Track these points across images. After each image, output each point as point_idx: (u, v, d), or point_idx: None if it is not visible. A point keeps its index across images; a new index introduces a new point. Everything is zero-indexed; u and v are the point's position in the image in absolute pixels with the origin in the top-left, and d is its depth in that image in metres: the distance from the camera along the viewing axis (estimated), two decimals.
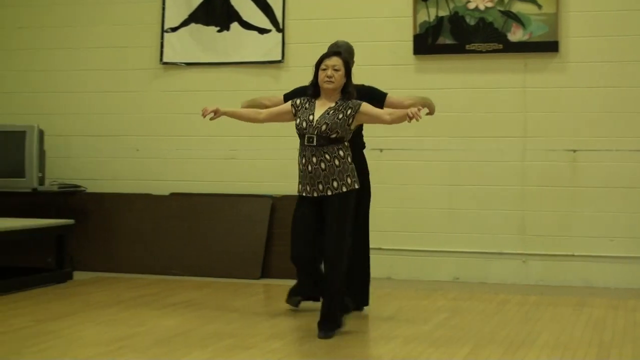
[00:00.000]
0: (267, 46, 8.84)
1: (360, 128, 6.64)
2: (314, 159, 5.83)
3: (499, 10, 8.23)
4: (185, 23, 9.03)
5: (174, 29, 9.04)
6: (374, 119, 6.00)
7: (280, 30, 8.80)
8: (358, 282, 6.65)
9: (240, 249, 8.57)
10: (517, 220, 8.30)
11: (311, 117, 5.88)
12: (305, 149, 5.87)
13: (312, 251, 5.92)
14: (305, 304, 6.79)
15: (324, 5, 8.73)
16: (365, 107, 5.91)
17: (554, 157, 8.23)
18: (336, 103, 5.91)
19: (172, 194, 8.98)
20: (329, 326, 5.81)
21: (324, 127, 5.82)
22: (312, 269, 5.99)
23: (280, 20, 8.80)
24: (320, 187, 5.84)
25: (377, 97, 6.47)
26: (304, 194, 5.92)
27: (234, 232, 8.57)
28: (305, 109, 5.96)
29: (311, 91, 6.03)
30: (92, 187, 8.97)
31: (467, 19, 8.30)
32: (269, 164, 8.82)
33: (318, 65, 6.01)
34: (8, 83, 9.51)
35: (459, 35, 8.32)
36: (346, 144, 5.90)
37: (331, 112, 5.88)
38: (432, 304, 7.22)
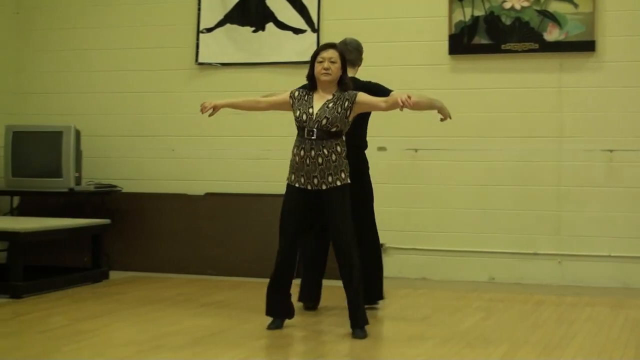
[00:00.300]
0: (302, 46, 8.85)
1: (360, 129, 6.57)
2: (313, 152, 5.87)
3: (535, 10, 8.18)
4: (220, 23, 9.07)
5: (209, 30, 9.07)
6: (371, 107, 6.11)
7: (316, 30, 8.81)
8: (370, 278, 6.66)
9: (273, 248, 8.55)
10: (553, 221, 8.24)
11: (311, 110, 5.92)
12: (304, 142, 5.91)
13: (296, 247, 6.13)
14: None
15: (359, 5, 8.72)
16: (362, 96, 5.96)
17: (590, 157, 8.16)
18: (333, 95, 5.95)
19: (207, 194, 9.01)
20: (361, 323, 5.82)
21: (324, 121, 5.86)
22: (291, 264, 6.12)
23: (315, 20, 8.81)
24: (316, 181, 5.90)
25: (382, 94, 6.44)
26: (296, 185, 5.99)
27: (268, 232, 8.57)
28: (305, 101, 5.98)
29: (309, 84, 6.03)
30: (128, 187, 9.03)
31: (503, 19, 8.25)
32: None
33: (314, 58, 6.02)
34: (45, 83, 9.60)
35: (495, 35, 8.28)
36: (343, 138, 5.96)
37: (330, 105, 5.91)
38: (468, 304, 7.19)
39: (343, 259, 5.94)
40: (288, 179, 6.04)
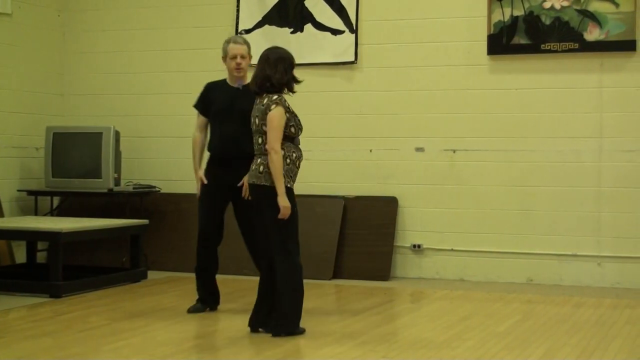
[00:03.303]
0: (340, 47, 8.84)
1: None
2: (302, 156, 5.99)
3: (575, 10, 8.10)
4: (259, 25, 9.09)
5: (247, 31, 9.09)
6: None
7: (354, 31, 8.80)
8: None
9: (313, 249, 8.58)
10: (592, 222, 8.16)
11: (298, 119, 5.94)
12: (298, 149, 5.93)
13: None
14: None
15: (398, 6, 8.70)
16: None
17: (631, 157, 8.08)
18: None
19: None
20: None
21: (301, 130, 5.97)
22: None
23: (353, 21, 8.79)
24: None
25: None
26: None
27: (307, 232, 8.56)
28: (289, 108, 5.91)
29: (285, 91, 5.97)
30: (166, 188, 9.08)
31: (543, 18, 8.19)
32: (342, 165, 8.83)
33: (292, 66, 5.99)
34: (85, 85, 9.69)
35: (534, 35, 8.22)
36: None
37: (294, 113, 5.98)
38: (506, 306, 7.15)
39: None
40: (290, 184, 5.83)
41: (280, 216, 5.75)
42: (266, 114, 5.80)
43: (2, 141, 8.94)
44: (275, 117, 5.76)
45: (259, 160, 5.86)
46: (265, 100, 5.84)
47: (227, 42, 6.75)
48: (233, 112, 6.37)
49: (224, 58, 6.74)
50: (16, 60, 9.12)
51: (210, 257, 6.71)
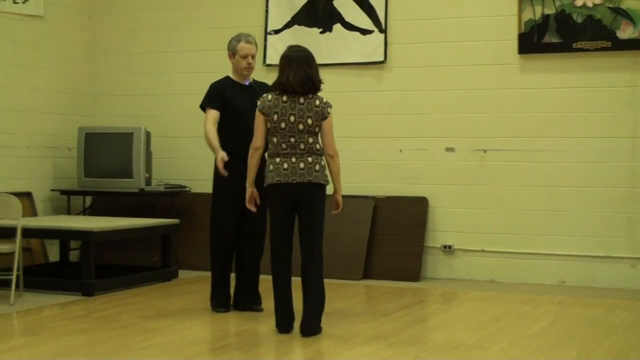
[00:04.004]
0: (369, 47, 8.83)
1: None
2: None
3: (608, 7, 8.04)
4: (288, 25, 9.10)
5: (277, 31, 9.11)
6: None
7: (383, 30, 8.78)
8: None
9: (343, 249, 8.58)
10: (625, 223, 8.09)
11: None
12: None
13: None
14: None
15: (428, 5, 8.67)
16: None
17: None
18: None
19: None
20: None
21: None
22: None
23: (383, 20, 8.78)
24: None
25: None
26: None
27: (336, 232, 8.58)
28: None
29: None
30: (196, 188, 9.11)
31: (575, 17, 8.13)
32: (371, 165, 8.82)
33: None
34: (117, 86, 9.75)
35: (566, 34, 8.16)
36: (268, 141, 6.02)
37: None
38: (537, 308, 7.10)
39: None
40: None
41: (336, 212, 6.09)
42: (322, 115, 5.92)
43: (35, 141, 9.02)
44: (332, 120, 5.97)
45: (309, 159, 5.91)
46: (315, 102, 5.93)
47: (237, 40, 6.74)
48: (252, 109, 6.33)
49: (232, 55, 6.74)
50: (48, 62, 9.20)
51: (231, 254, 6.75)
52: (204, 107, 6.70)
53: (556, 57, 8.25)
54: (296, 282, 6.00)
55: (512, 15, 8.32)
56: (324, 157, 5.98)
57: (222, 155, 6.39)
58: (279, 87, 5.93)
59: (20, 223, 7.11)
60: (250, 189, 6.10)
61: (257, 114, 5.95)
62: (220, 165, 6.38)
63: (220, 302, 6.73)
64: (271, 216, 5.99)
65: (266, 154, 6.02)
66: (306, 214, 5.94)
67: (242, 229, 6.68)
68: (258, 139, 5.99)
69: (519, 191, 8.39)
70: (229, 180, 6.51)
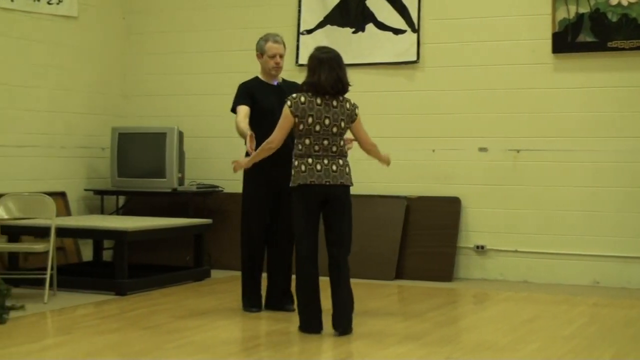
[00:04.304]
0: (402, 47, 8.81)
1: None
2: None
3: None
4: (320, 25, 9.10)
5: (309, 31, 9.11)
6: None
7: (416, 30, 8.75)
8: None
9: (375, 249, 8.57)
10: None
11: None
12: None
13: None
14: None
15: (460, 5, 8.64)
16: None
17: None
18: None
19: None
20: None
21: None
22: None
23: (415, 20, 8.75)
24: None
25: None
26: None
27: (369, 233, 8.57)
28: None
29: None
30: (229, 188, 9.13)
31: (609, 15, 8.06)
32: (404, 165, 8.79)
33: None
34: (150, 86, 9.80)
35: (600, 33, 8.09)
36: (295, 141, 6.03)
37: None
38: (571, 308, 7.05)
39: None
40: None
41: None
42: (351, 118, 6.01)
43: (69, 141, 9.09)
44: (360, 118, 6.10)
45: (340, 161, 5.99)
46: (347, 105, 6.01)
47: (265, 40, 6.74)
48: (279, 109, 6.32)
49: (260, 55, 6.75)
50: (82, 63, 9.26)
51: (262, 253, 6.76)
52: (234, 107, 6.71)
53: (590, 57, 8.18)
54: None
55: (546, 14, 8.26)
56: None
57: (251, 133, 6.32)
58: (311, 87, 5.95)
59: (54, 223, 7.17)
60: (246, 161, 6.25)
61: (287, 114, 5.96)
62: (250, 144, 6.27)
63: (251, 301, 6.74)
64: (300, 216, 5.98)
65: (294, 155, 6.01)
66: (338, 215, 5.99)
67: (273, 228, 6.68)
68: (278, 137, 6.04)
69: (552, 191, 8.33)
70: (258, 180, 6.54)
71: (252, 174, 6.60)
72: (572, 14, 8.16)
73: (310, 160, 5.92)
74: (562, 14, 8.20)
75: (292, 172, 5.97)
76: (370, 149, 6.24)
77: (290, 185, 6.00)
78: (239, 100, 6.70)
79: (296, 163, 5.96)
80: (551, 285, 8.17)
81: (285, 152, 6.17)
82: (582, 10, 8.12)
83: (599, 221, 8.18)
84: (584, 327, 6.26)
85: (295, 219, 6.02)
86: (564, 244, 8.28)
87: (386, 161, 6.44)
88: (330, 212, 6.01)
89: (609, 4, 8.04)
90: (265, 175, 6.53)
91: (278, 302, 6.73)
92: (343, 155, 6.01)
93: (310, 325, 5.92)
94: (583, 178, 8.23)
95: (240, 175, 6.80)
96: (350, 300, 5.97)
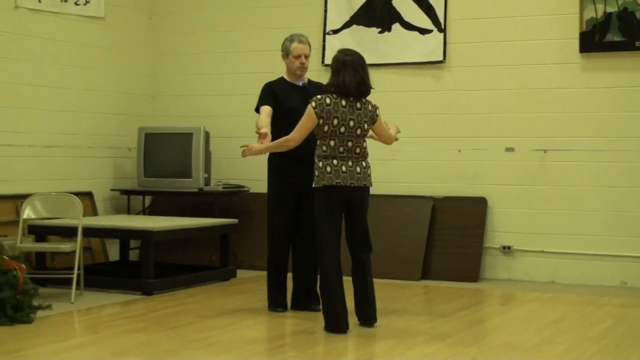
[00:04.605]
0: (428, 46, 8.79)
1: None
2: None
3: None
4: (346, 25, 9.09)
5: (335, 31, 9.11)
6: None
7: (442, 30, 8.73)
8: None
9: (401, 250, 8.56)
10: None
11: None
12: None
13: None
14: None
15: (487, 4, 8.61)
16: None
17: None
18: None
19: None
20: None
21: None
22: None
23: (442, 20, 8.73)
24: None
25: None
26: None
27: (394, 233, 8.56)
28: None
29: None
30: (255, 188, 9.14)
31: (637, 15, 7.99)
32: (430, 165, 8.78)
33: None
34: (176, 86, 9.83)
35: (628, 32, 8.03)
36: (318, 142, 6.06)
37: None
38: (598, 309, 7.01)
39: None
40: None
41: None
42: (373, 119, 6.09)
43: (96, 142, 9.14)
44: (381, 117, 6.20)
45: (363, 163, 6.08)
46: (369, 107, 6.08)
47: (290, 40, 6.73)
48: (304, 110, 6.30)
49: (286, 56, 6.74)
50: (109, 63, 9.31)
51: (286, 254, 6.76)
52: (257, 107, 6.71)
53: (618, 56, 8.12)
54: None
55: (574, 13, 8.21)
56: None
57: (264, 131, 6.30)
58: (336, 89, 5.97)
59: (81, 222, 7.21)
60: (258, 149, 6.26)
61: (310, 114, 5.97)
62: (261, 141, 6.27)
63: (277, 302, 6.74)
64: (324, 217, 5.99)
65: (317, 156, 6.02)
66: (361, 216, 6.11)
67: (299, 229, 6.68)
68: (298, 137, 6.09)
69: (579, 191, 8.28)
70: (281, 180, 6.57)
71: (275, 174, 6.64)
72: (600, 14, 8.11)
73: (335, 161, 5.94)
74: (589, 13, 8.15)
75: (316, 173, 5.98)
76: (391, 142, 6.41)
77: (314, 186, 6.01)
78: (262, 100, 6.70)
79: (320, 164, 5.97)
80: (578, 286, 8.12)
81: (307, 152, 6.18)
82: (610, 9, 8.07)
83: (627, 221, 8.12)
84: (611, 328, 6.22)
85: (318, 219, 6.02)
86: (591, 244, 8.23)
87: (396, 131, 6.42)
88: (353, 214, 6.07)
89: (637, 3, 7.99)
90: (288, 176, 6.56)
91: (303, 302, 6.73)
92: (366, 156, 6.09)
93: (337, 324, 5.91)
94: (611, 178, 8.17)
95: (266, 175, 6.81)
96: (374, 293, 6.14)
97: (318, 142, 6.04)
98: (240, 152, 6.36)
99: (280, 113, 6.59)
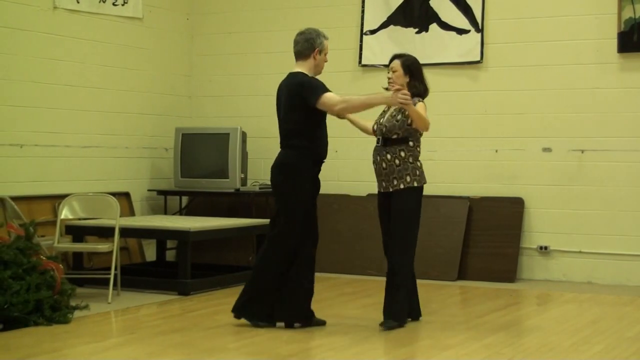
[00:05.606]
0: (466, 47, 8.76)
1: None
2: (379, 158, 6.22)
3: None
4: (384, 25, 9.09)
5: (372, 32, 9.11)
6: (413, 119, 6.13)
7: (480, 30, 8.70)
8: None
9: (438, 249, 8.54)
10: None
11: (382, 120, 6.24)
12: (375, 149, 6.26)
13: (385, 246, 6.28)
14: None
15: (525, 4, 8.56)
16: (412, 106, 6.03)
17: None
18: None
19: (369, 195, 9.03)
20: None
21: (384, 129, 6.16)
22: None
23: (479, 20, 8.69)
24: (384, 184, 6.17)
25: (311, 95, 6.06)
26: (380, 190, 6.28)
27: (431, 233, 8.54)
28: (383, 111, 6.35)
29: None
30: None
31: None
32: (467, 165, 8.75)
33: None
34: (213, 87, 9.88)
35: None
36: (410, 144, 6.13)
37: (394, 113, 6.19)
38: (636, 310, 6.95)
39: (387, 262, 6.21)
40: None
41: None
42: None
43: (133, 142, 9.20)
44: None
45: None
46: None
47: (324, 37, 6.23)
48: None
49: (319, 53, 6.16)
50: (147, 63, 9.38)
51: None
52: (317, 97, 6.02)
53: None
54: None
55: (612, 13, 8.15)
56: None
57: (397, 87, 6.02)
58: (427, 93, 6.39)
59: (118, 223, 7.27)
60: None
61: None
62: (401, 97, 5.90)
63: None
64: (418, 217, 6.20)
65: (412, 155, 6.16)
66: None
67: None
68: (425, 124, 6.10)
69: (617, 191, 8.21)
70: (312, 192, 6.22)
71: (305, 182, 6.18)
72: (638, 14, 8.03)
73: (418, 163, 6.23)
74: (627, 13, 8.07)
75: (414, 172, 6.13)
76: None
77: (415, 185, 6.12)
78: (325, 88, 6.08)
79: (418, 164, 6.20)
80: (615, 286, 8.06)
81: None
82: None
83: None
84: None
85: (412, 219, 6.15)
86: (628, 244, 8.16)
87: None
88: None
89: None
90: (315, 186, 6.25)
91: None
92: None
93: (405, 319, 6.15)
94: None
95: None
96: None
97: (411, 142, 6.16)
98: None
99: (314, 117, 6.14)
